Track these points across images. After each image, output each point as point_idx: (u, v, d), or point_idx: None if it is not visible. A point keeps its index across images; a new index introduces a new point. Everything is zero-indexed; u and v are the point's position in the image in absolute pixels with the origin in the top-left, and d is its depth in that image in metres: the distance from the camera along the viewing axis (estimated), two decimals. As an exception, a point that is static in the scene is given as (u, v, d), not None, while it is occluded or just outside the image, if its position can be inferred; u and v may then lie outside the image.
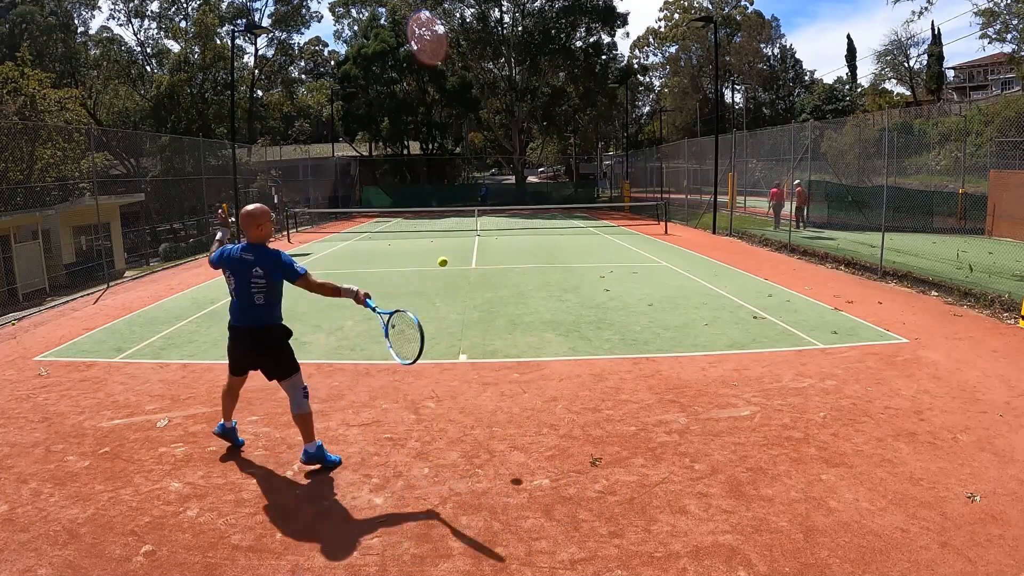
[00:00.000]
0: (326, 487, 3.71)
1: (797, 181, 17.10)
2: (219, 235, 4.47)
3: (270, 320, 3.86)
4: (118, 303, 9.64)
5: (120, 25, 38.09)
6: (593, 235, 18.52)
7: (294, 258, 3.86)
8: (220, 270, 3.91)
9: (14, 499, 3.61)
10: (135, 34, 33.18)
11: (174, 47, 31.89)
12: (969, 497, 3.44)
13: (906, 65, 46.66)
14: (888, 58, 46.74)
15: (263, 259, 3.74)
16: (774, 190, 17.76)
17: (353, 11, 44.25)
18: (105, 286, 11.33)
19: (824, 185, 19.09)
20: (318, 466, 3.91)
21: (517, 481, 3.72)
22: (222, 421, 4.20)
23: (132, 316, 8.59)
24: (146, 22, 32.41)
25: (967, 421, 4.46)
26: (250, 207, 3.85)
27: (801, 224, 16.91)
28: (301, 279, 3.74)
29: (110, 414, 4.90)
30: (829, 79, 56.60)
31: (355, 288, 3.79)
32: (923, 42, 46.71)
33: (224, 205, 16.75)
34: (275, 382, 3.92)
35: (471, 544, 3.13)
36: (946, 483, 3.60)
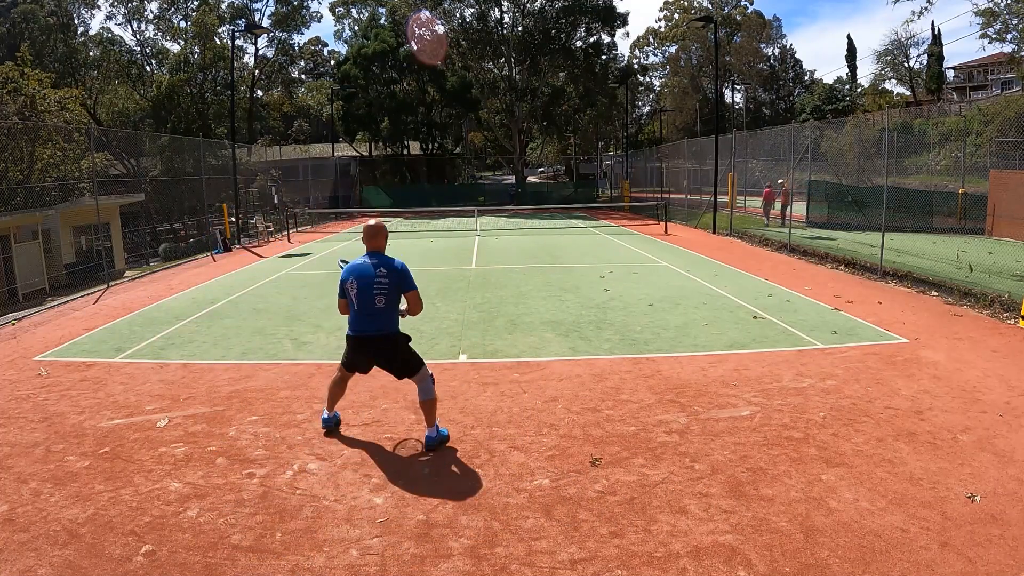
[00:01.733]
0: (326, 487, 3.71)
1: (781, 180, 18.07)
2: None
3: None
4: (118, 303, 9.64)
5: (119, 26, 38.09)
6: (593, 235, 18.52)
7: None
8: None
9: (14, 499, 3.61)
10: (134, 35, 33.19)
11: (174, 47, 31.93)
12: (969, 497, 3.44)
13: (906, 65, 46.70)
14: (888, 58, 46.78)
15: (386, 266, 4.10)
16: (766, 190, 18.86)
17: (353, 11, 44.28)
18: (105, 286, 11.33)
19: (824, 185, 19.09)
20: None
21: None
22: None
23: (132, 316, 8.59)
24: (144, 24, 32.45)
25: (967, 421, 4.46)
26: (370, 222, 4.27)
27: (783, 221, 17.96)
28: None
29: (110, 414, 4.90)
30: (829, 79, 56.64)
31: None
32: (923, 42, 46.80)
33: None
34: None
35: (471, 544, 3.13)
36: (946, 483, 3.60)
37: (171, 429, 4.60)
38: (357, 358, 4.20)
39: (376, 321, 4.04)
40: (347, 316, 4.19)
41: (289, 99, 41.23)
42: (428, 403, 4.12)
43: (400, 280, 4.05)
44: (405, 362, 4.12)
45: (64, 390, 5.50)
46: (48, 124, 16.58)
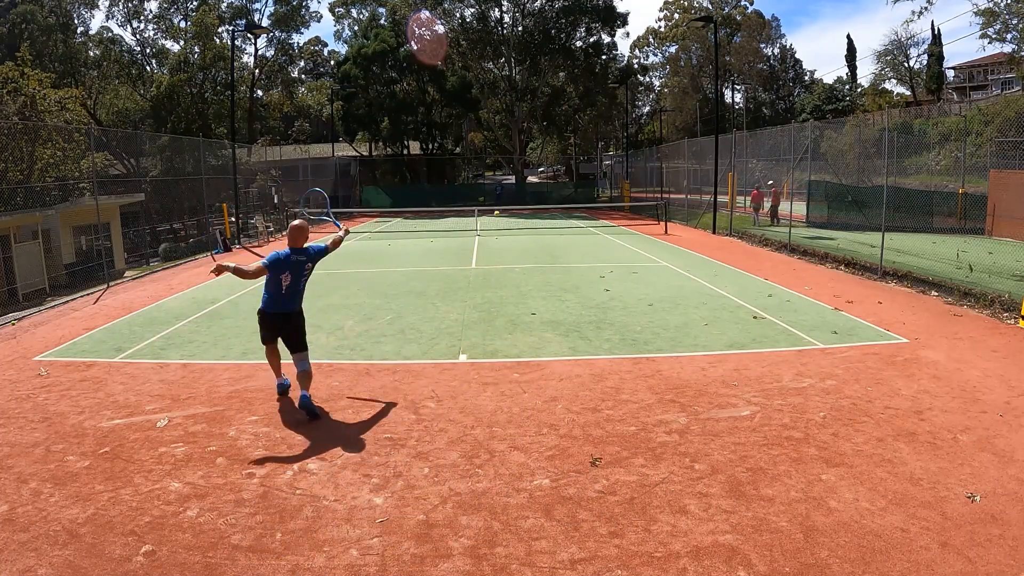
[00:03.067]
0: (326, 487, 3.71)
1: (771, 181, 18.72)
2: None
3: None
4: (118, 303, 9.63)
5: (120, 26, 38.12)
6: (593, 235, 18.51)
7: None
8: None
9: (14, 499, 3.61)
10: (134, 34, 33.16)
11: (174, 47, 31.91)
12: (969, 497, 3.44)
13: (906, 65, 46.69)
14: (888, 58, 46.77)
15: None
16: (754, 192, 19.41)
17: (353, 11, 44.25)
18: (105, 286, 11.32)
19: (824, 185, 19.10)
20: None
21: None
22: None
23: (132, 316, 8.59)
24: (144, 24, 32.42)
25: (967, 421, 4.46)
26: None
27: (776, 220, 18.67)
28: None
29: (110, 414, 4.90)
30: (829, 79, 56.61)
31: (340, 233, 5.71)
32: (923, 42, 46.77)
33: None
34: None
35: (471, 544, 3.13)
36: (946, 483, 3.60)
37: (171, 429, 4.60)
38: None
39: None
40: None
41: (290, 99, 41.22)
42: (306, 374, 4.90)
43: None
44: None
45: (64, 390, 5.50)
46: (48, 124, 16.57)
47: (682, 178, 25.41)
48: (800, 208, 19.21)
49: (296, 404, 4.82)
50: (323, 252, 5.22)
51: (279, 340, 5.04)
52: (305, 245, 5.04)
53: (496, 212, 25.75)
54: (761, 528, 3.20)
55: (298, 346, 4.92)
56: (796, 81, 56.30)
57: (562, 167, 60.60)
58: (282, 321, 4.94)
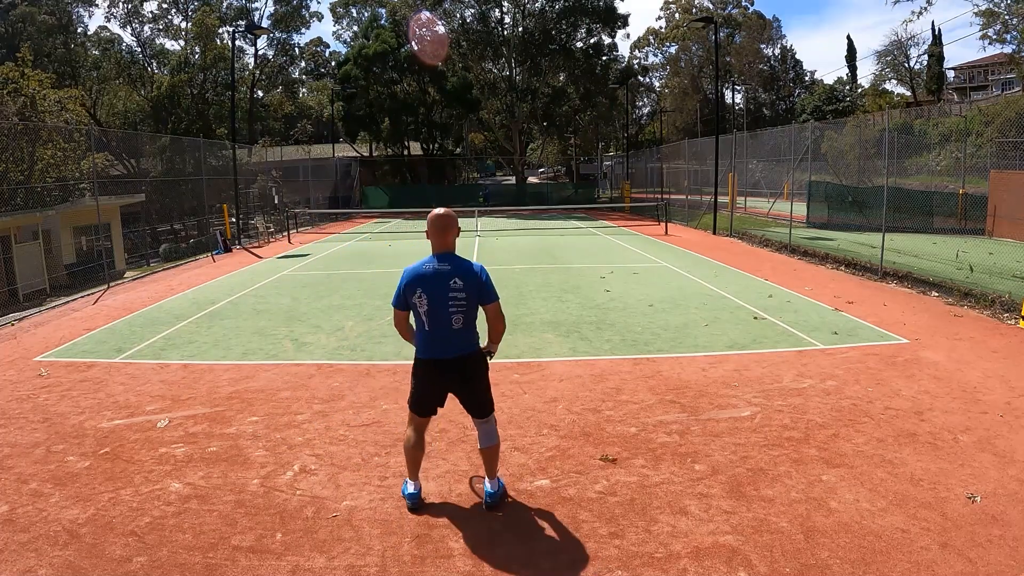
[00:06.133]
0: (326, 487, 3.71)
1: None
2: None
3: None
4: (118, 303, 9.64)
5: (120, 27, 38.13)
6: (593, 236, 18.52)
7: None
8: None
9: (14, 499, 3.61)
10: (133, 35, 33.18)
11: (174, 47, 31.95)
12: (970, 498, 3.44)
13: (906, 65, 46.73)
14: (888, 58, 46.83)
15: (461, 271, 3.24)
16: None
17: (353, 11, 44.32)
18: (105, 286, 11.33)
19: (824, 185, 19.09)
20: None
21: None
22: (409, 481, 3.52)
23: (132, 316, 8.59)
24: (142, 25, 32.44)
25: (968, 422, 4.46)
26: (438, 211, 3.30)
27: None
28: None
29: (110, 414, 4.90)
30: (829, 80, 56.57)
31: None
32: (923, 42, 46.81)
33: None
34: None
35: (471, 544, 3.13)
36: (947, 484, 3.60)
37: (171, 429, 4.60)
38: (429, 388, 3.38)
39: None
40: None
41: (291, 100, 41.26)
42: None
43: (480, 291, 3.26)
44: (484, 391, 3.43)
45: (64, 390, 5.50)
46: (48, 125, 16.59)
47: (682, 179, 25.41)
48: (800, 209, 19.23)
49: (485, 503, 3.44)
50: (489, 291, 3.29)
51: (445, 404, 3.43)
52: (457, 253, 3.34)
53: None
54: (761, 529, 3.20)
55: (484, 407, 3.43)
56: (796, 82, 56.32)
57: (562, 168, 60.62)
58: (454, 371, 3.32)
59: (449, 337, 3.27)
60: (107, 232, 16.10)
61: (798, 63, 56.42)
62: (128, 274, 14.20)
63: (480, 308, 3.31)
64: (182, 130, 26.54)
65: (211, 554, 3.06)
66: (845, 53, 55.14)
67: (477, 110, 37.57)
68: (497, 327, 3.37)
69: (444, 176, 40.44)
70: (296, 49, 39.95)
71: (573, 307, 8.39)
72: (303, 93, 45.58)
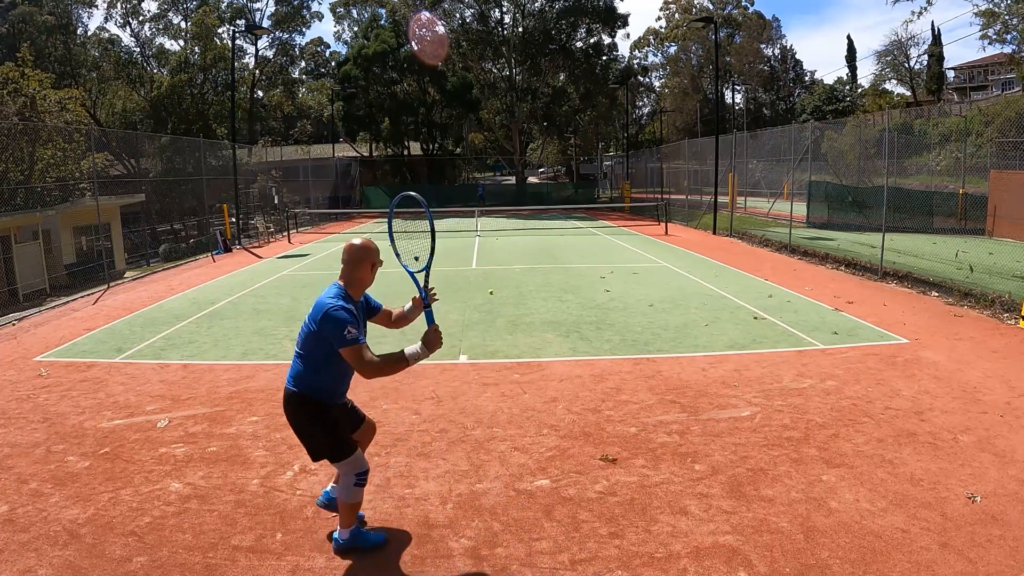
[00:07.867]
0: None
1: None
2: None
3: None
4: (118, 303, 9.63)
5: (119, 27, 38.13)
6: (593, 236, 18.51)
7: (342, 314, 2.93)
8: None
9: (15, 499, 3.61)
10: (132, 34, 33.20)
11: (174, 47, 31.94)
12: (970, 498, 3.44)
13: (906, 65, 46.72)
14: (888, 58, 46.81)
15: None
16: None
17: (354, 12, 44.32)
18: (105, 286, 11.32)
19: (824, 185, 19.09)
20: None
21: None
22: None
23: (132, 316, 8.59)
24: (142, 25, 32.43)
25: (968, 422, 4.46)
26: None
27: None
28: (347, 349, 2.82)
29: (110, 414, 4.90)
30: (829, 80, 56.59)
31: (417, 349, 3.04)
32: (923, 42, 46.81)
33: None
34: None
35: (471, 544, 3.13)
36: (947, 484, 3.60)
37: (171, 429, 4.60)
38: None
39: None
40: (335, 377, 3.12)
41: (290, 100, 41.26)
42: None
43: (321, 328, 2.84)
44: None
45: (64, 390, 5.50)
46: (48, 125, 16.59)
47: (682, 179, 25.43)
48: (800, 209, 19.22)
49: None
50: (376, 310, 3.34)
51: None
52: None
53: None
54: (761, 529, 3.20)
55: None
56: (796, 82, 56.30)
57: (562, 168, 60.62)
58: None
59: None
60: (107, 232, 16.10)
61: (798, 63, 56.43)
62: (128, 274, 14.20)
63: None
64: (182, 130, 26.53)
65: (211, 554, 3.06)
66: (845, 53, 55.20)
67: (477, 110, 37.58)
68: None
69: (444, 176, 40.45)
70: (296, 49, 39.95)
71: (573, 307, 8.39)
72: (303, 93, 45.54)
